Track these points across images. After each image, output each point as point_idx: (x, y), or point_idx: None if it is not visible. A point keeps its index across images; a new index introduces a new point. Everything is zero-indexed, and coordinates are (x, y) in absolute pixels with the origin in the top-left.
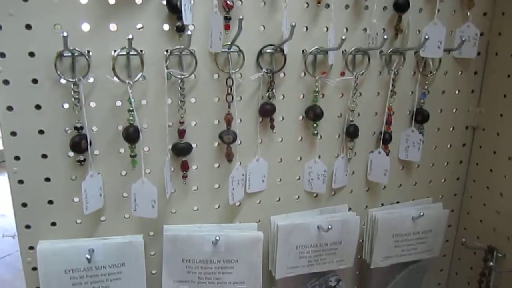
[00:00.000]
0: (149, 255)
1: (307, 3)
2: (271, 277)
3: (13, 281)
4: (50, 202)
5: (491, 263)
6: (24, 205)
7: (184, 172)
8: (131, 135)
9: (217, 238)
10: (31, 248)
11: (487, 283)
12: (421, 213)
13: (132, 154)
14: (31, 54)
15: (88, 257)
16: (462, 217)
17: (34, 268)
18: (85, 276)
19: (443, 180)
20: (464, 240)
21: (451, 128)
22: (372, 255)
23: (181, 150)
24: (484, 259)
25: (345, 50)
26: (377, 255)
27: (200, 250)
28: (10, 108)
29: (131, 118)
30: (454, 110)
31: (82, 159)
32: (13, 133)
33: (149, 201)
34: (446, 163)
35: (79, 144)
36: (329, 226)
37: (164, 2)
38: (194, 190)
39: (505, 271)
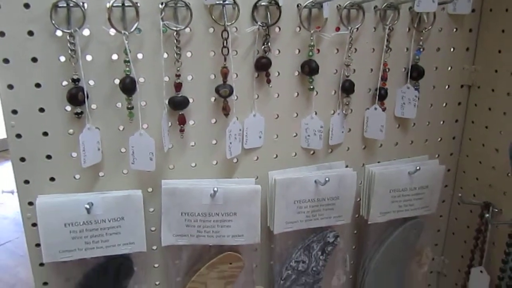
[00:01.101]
0: (148, 212)
1: None
2: (270, 233)
3: (15, 266)
4: (48, 157)
5: (487, 215)
6: (22, 159)
7: (181, 126)
8: (128, 86)
9: (215, 189)
10: (31, 204)
11: (483, 238)
12: (418, 167)
13: (129, 106)
14: (26, 6)
15: (87, 207)
16: (458, 176)
17: (34, 224)
18: (84, 230)
19: (439, 139)
20: (460, 195)
21: (447, 86)
22: (369, 211)
23: (178, 104)
24: (480, 215)
25: (340, 5)
26: (374, 210)
27: (199, 203)
28: (6, 61)
29: (127, 69)
30: (449, 68)
31: (79, 111)
32: (10, 86)
33: (147, 153)
34: (442, 122)
35: (76, 96)
36: (326, 179)
37: None
38: (192, 146)
39: (501, 223)
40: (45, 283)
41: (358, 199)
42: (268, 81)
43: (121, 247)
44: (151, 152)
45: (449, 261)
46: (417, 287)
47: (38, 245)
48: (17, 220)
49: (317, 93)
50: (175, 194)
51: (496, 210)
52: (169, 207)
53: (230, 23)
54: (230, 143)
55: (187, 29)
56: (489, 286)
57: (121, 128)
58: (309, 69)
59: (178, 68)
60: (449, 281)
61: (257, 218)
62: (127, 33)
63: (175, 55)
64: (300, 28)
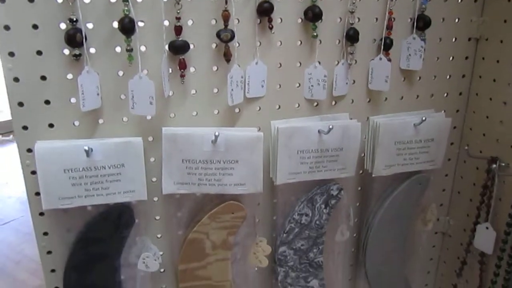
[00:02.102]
0: (148, 161)
1: None
2: (273, 187)
3: (19, 244)
4: (47, 102)
5: (494, 165)
6: (21, 104)
7: (182, 71)
8: (127, 26)
9: (216, 134)
10: (29, 150)
11: (490, 194)
12: (423, 118)
13: (128, 48)
14: None
15: (86, 149)
16: (464, 133)
17: (33, 172)
18: (84, 177)
19: (445, 94)
20: (467, 147)
21: (454, 39)
22: (374, 164)
23: (178, 47)
24: (487, 170)
25: None
26: (379, 163)
27: (200, 149)
28: (2, 1)
29: (126, 9)
30: (456, 20)
31: (77, 53)
32: (7, 27)
33: (147, 97)
34: (448, 76)
35: (74, 37)
36: (330, 127)
37: None
38: (193, 94)
39: (509, 174)
40: (45, 233)
41: (362, 154)
42: (271, 27)
43: (122, 195)
44: (151, 96)
45: (454, 222)
46: (422, 246)
47: (37, 193)
48: (22, 199)
49: (320, 41)
50: (176, 140)
51: (503, 164)
52: (170, 154)
53: None
54: (232, 89)
55: None
56: (495, 242)
57: (120, 73)
58: (313, 14)
59: (178, 11)
60: (454, 241)
61: (259, 167)
62: None
63: None
64: None
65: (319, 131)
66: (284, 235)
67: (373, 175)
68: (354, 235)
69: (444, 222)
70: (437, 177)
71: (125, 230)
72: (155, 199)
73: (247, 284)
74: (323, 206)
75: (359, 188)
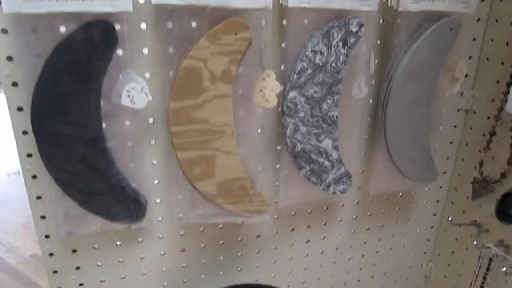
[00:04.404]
0: None
1: None
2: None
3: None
4: None
5: None
6: None
7: None
8: None
9: None
10: None
11: None
12: None
13: None
14: None
15: None
16: None
17: None
18: None
19: None
20: None
21: None
22: None
23: None
24: None
25: None
26: None
27: None
28: None
29: None
30: None
31: None
32: None
33: None
34: None
35: None
36: None
37: None
38: None
39: None
40: (9, 58)
41: None
42: None
43: (101, 3)
44: None
45: (480, 94)
46: (446, 107)
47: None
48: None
49: None
50: None
51: None
52: None
53: None
54: None
55: None
56: None
57: None
58: None
59: None
60: (479, 118)
61: None
62: None
63: None
64: None
65: None
66: (295, 76)
67: (399, 10)
68: (373, 81)
69: (468, 97)
70: (469, 26)
71: (105, 51)
72: (143, 23)
73: (251, 132)
74: (340, 44)
75: (382, 21)
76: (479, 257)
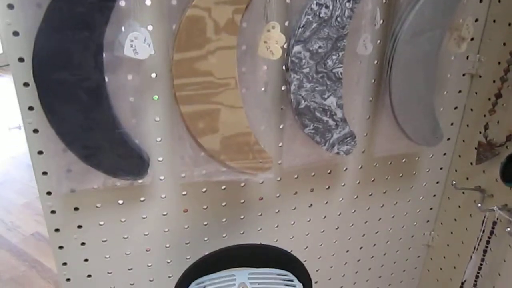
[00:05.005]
0: None
1: None
2: None
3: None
4: None
5: None
6: None
7: None
8: None
9: None
10: None
11: None
12: None
13: None
14: None
15: None
16: None
17: None
18: None
19: None
20: None
21: None
22: None
23: None
24: None
25: None
26: None
27: None
28: None
29: None
30: None
31: None
32: None
33: None
34: None
35: None
36: None
37: None
38: None
39: None
40: (10, 6)
41: None
42: None
43: None
44: None
45: (486, 58)
46: (451, 71)
47: None
48: None
49: None
50: None
51: None
52: None
53: None
54: None
55: None
56: None
57: None
58: None
59: None
60: (484, 82)
61: None
62: None
63: None
64: None
65: None
66: (300, 30)
67: None
68: (378, 41)
69: (474, 61)
70: None
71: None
72: None
73: (254, 90)
74: None
75: None
76: (483, 221)
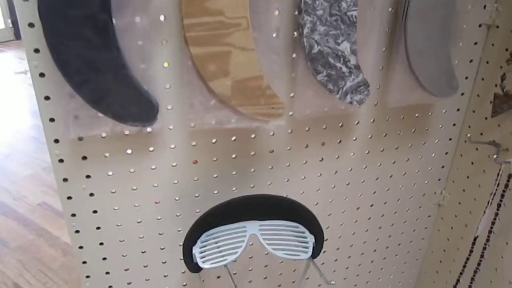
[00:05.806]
0: None
1: None
2: None
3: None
4: None
5: None
6: None
7: None
8: None
9: None
10: None
11: None
12: None
13: None
14: None
15: None
16: None
17: None
18: None
19: None
20: None
21: None
22: None
23: None
24: None
25: None
26: None
27: None
28: None
29: None
30: None
31: None
32: None
33: None
34: None
35: None
36: None
37: None
38: None
39: None
40: None
41: None
42: None
43: None
44: None
45: (503, 9)
46: (467, 21)
47: None
48: None
49: None
50: None
51: None
52: None
53: None
54: None
55: None
56: None
57: None
58: None
59: None
60: (502, 33)
61: None
62: None
63: None
64: None
65: None
66: None
67: None
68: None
69: (491, 11)
70: None
71: None
72: None
73: (265, 36)
74: None
75: None
76: (498, 174)
